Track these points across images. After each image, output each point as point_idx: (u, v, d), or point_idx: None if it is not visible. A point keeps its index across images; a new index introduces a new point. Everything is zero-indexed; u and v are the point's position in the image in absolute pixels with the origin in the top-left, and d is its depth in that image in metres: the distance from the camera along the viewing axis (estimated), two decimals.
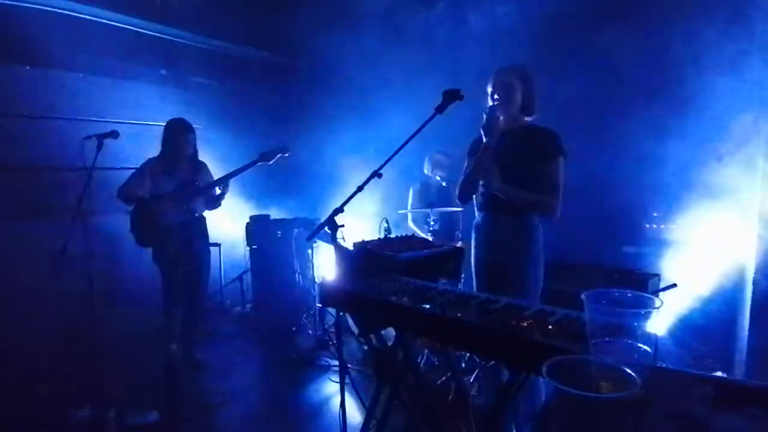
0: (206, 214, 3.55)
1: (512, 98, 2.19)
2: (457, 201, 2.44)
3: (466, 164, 2.40)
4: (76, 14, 3.85)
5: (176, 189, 3.30)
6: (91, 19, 3.95)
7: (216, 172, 3.55)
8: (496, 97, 2.21)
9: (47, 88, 3.86)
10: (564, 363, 0.69)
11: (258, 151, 3.46)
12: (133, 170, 3.34)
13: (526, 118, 2.26)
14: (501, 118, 2.18)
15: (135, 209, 3.28)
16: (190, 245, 3.39)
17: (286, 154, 3.48)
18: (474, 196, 2.40)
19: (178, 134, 3.29)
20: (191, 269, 3.42)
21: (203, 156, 3.56)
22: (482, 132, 2.21)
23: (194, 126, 3.40)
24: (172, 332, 3.44)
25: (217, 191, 3.49)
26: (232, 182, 3.45)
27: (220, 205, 3.51)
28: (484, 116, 2.19)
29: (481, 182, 2.28)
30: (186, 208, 3.34)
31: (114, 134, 2.98)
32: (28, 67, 3.82)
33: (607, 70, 3.37)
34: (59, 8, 3.75)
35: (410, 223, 4.27)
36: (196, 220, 3.44)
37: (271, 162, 3.43)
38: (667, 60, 3.19)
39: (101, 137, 2.93)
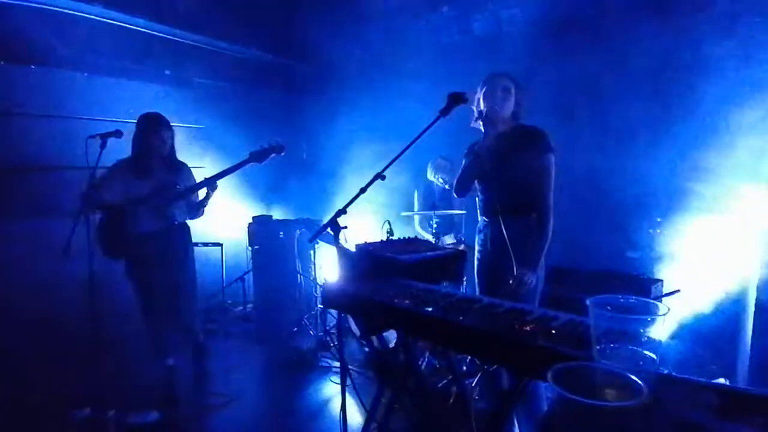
0: (192, 222, 3.20)
1: (510, 100, 2.28)
2: (454, 195, 2.49)
3: (463, 162, 2.43)
4: (81, 14, 3.86)
5: (152, 193, 2.92)
6: (96, 19, 3.96)
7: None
8: (499, 94, 2.26)
9: (52, 88, 3.87)
10: (569, 369, 0.69)
11: (249, 151, 3.09)
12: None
13: (516, 122, 2.34)
14: (493, 124, 2.27)
15: (103, 218, 2.91)
16: (171, 257, 3.00)
17: (281, 153, 3.08)
18: (476, 198, 2.43)
19: (152, 131, 2.91)
20: (174, 284, 3.02)
21: (206, 157, 3.51)
22: (481, 124, 2.27)
23: (198, 126, 3.32)
24: (163, 350, 3.12)
25: (201, 195, 3.10)
26: (227, 183, 3.12)
27: (202, 212, 3.13)
28: (484, 109, 2.25)
29: (481, 188, 2.37)
30: (164, 215, 2.96)
31: (118, 134, 2.97)
32: (33, 67, 3.83)
33: (613, 74, 3.37)
34: (64, 8, 3.76)
35: (417, 227, 4.29)
36: (176, 228, 3.05)
37: (263, 162, 3.05)
38: (676, 66, 3.18)
39: (105, 136, 2.92)
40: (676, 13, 3.18)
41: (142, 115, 2.98)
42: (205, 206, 3.10)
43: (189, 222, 3.19)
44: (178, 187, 2.99)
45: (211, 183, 3.02)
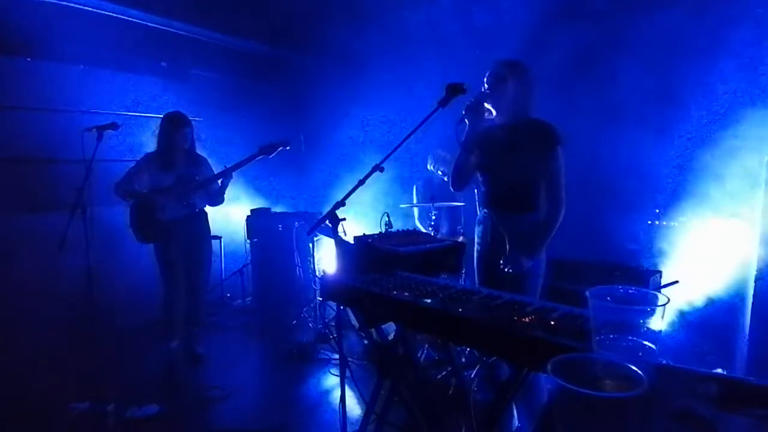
0: (208, 209, 3.50)
1: (502, 90, 2.17)
2: (451, 189, 2.44)
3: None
4: (76, 6, 3.82)
5: (175, 184, 3.24)
6: (91, 11, 3.91)
7: (216, 166, 3.50)
8: (486, 86, 2.21)
9: (48, 80, 3.84)
10: (569, 360, 0.68)
11: (258, 145, 3.38)
12: (132, 163, 3.31)
13: (522, 114, 2.23)
14: (494, 113, 2.21)
15: (134, 205, 3.24)
16: (192, 241, 3.34)
17: (287, 147, 3.38)
18: (476, 190, 2.41)
19: (174, 128, 3.23)
20: (193, 266, 3.38)
21: (203, 149, 3.54)
22: (464, 111, 2.18)
23: (194, 119, 3.37)
24: (173, 330, 3.39)
25: (218, 186, 3.41)
26: (232, 175, 3.38)
27: (222, 200, 3.46)
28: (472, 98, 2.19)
29: (482, 180, 2.32)
30: (186, 203, 3.29)
31: (114, 126, 2.96)
32: (28, 59, 3.79)
33: (614, 65, 3.33)
34: (60, 0, 3.72)
35: (416, 221, 4.27)
36: (197, 216, 3.39)
37: (271, 156, 3.34)
38: (676, 57, 3.15)
39: (101, 129, 2.91)
40: (676, 9, 3.13)
41: (165, 114, 3.30)
42: (223, 194, 3.44)
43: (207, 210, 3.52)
44: (197, 178, 3.31)
45: (226, 174, 3.32)
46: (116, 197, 3.21)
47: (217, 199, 3.45)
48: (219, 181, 3.38)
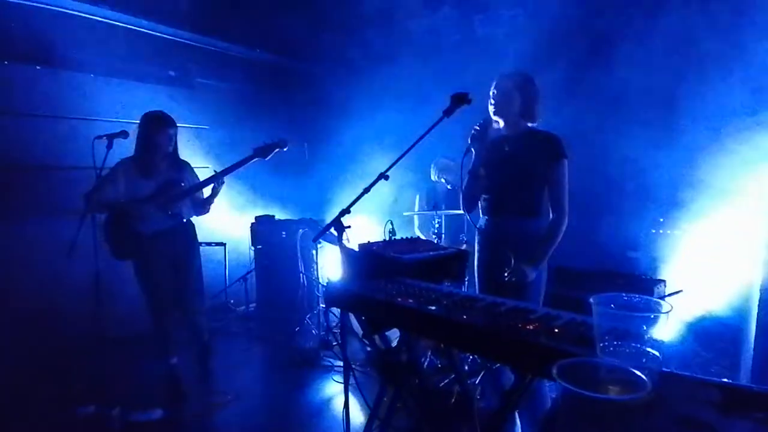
0: (197, 219, 3.21)
1: (508, 106, 2.23)
2: (463, 211, 2.46)
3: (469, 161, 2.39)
4: (86, 15, 3.89)
5: (157, 191, 2.93)
6: (101, 21, 3.99)
7: None
8: (492, 102, 2.26)
9: (58, 89, 3.90)
10: (573, 365, 0.70)
11: (252, 147, 3.11)
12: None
13: (528, 124, 2.27)
14: (501, 124, 2.26)
15: (109, 217, 2.91)
16: (179, 256, 3.03)
17: (285, 149, 3.09)
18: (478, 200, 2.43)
19: (156, 129, 2.90)
20: (185, 283, 3.07)
21: (210, 158, 3.52)
22: (470, 140, 2.26)
23: (201, 127, 3.33)
24: (168, 349, 3.11)
25: (207, 192, 3.09)
26: (230, 184, 3.18)
27: (208, 209, 3.14)
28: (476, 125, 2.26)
29: (486, 189, 2.34)
30: (171, 213, 2.97)
31: (124, 134, 2.98)
32: (38, 67, 3.85)
33: (614, 73, 3.36)
34: (70, 9, 3.79)
35: (416, 230, 4.28)
36: (183, 227, 3.07)
37: (267, 158, 3.05)
38: (683, 65, 3.17)
39: (111, 137, 2.94)
40: (675, 16, 3.15)
41: (146, 113, 2.98)
42: (211, 203, 3.10)
43: (193, 220, 3.22)
44: (182, 184, 3.00)
45: (217, 179, 3.02)
46: (89, 209, 2.83)
47: (203, 209, 3.12)
48: (210, 188, 3.06)
